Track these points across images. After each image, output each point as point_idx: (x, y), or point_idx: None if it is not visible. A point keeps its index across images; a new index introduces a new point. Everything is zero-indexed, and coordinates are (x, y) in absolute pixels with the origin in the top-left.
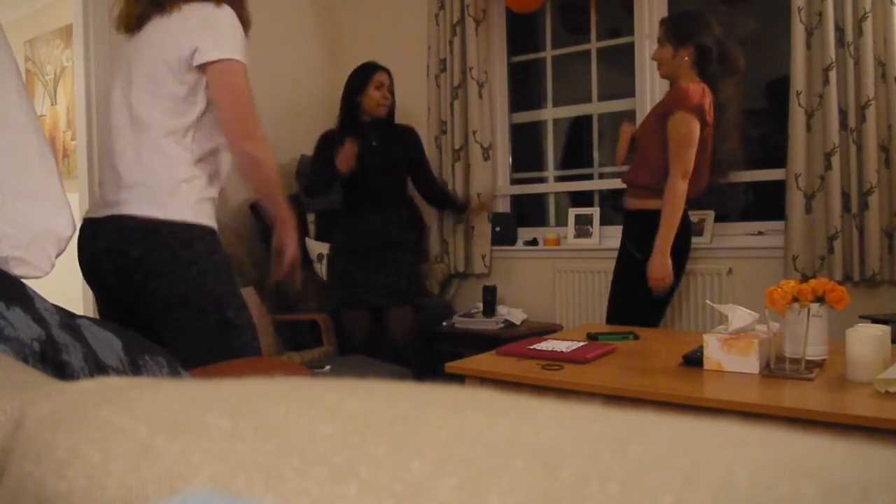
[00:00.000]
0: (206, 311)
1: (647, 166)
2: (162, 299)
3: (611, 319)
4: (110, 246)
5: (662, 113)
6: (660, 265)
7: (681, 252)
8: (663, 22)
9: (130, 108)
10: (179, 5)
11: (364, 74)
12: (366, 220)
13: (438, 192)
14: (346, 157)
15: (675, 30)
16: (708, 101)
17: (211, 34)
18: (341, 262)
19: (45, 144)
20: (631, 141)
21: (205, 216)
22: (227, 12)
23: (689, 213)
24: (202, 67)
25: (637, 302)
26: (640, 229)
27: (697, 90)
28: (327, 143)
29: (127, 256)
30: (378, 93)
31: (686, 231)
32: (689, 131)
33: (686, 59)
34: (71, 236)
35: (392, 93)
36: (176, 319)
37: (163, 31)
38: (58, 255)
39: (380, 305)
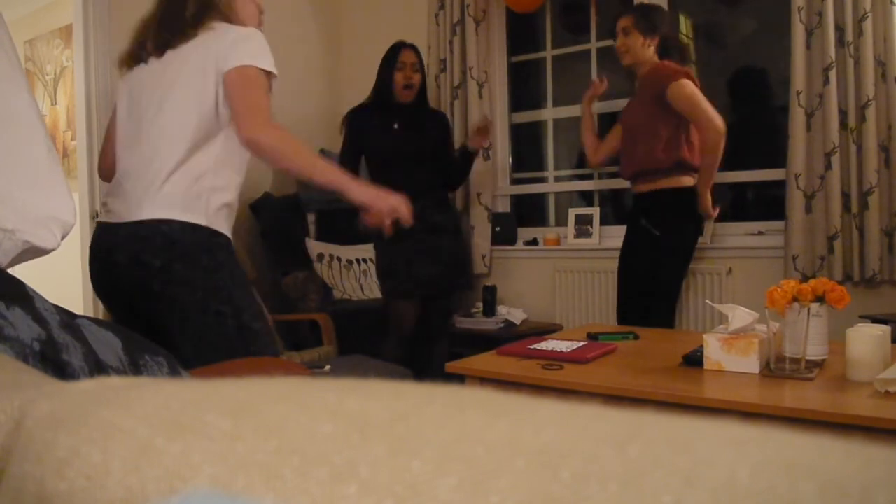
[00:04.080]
0: (224, 316)
1: (652, 151)
2: (182, 306)
3: (623, 317)
4: (132, 257)
5: (655, 96)
6: (707, 201)
7: (689, 243)
8: (632, 12)
9: (153, 121)
10: (211, 25)
11: (389, 55)
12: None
13: (454, 170)
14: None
15: (645, 20)
16: (684, 69)
17: (239, 47)
18: (387, 255)
19: (49, 139)
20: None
21: (223, 225)
22: (256, 31)
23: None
24: (224, 79)
25: (653, 289)
26: (657, 208)
27: (670, 63)
28: (354, 120)
29: (148, 266)
30: (400, 74)
31: (697, 228)
32: (692, 90)
33: (651, 48)
34: (73, 224)
35: (420, 72)
36: (195, 326)
37: (195, 47)
38: (63, 237)
39: (430, 294)
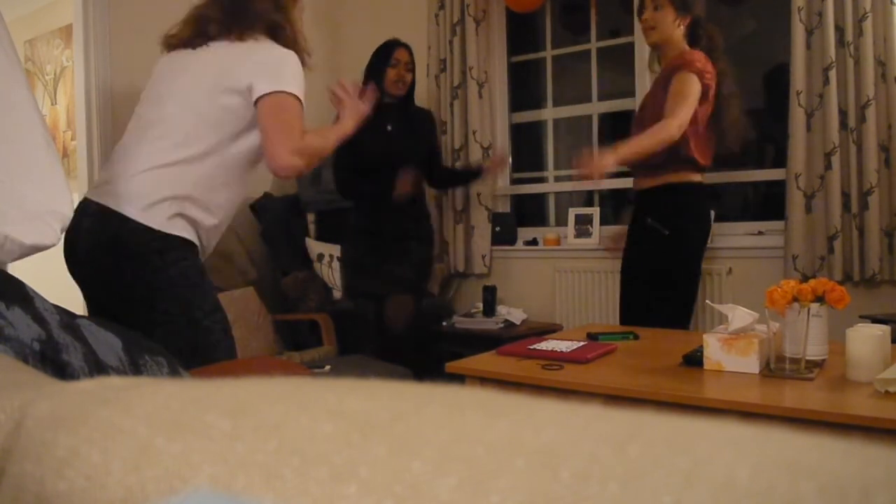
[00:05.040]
0: (172, 314)
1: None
2: (131, 301)
3: (631, 320)
4: (88, 250)
5: (666, 77)
6: (603, 161)
7: (699, 240)
8: None
9: (153, 118)
10: (254, 36)
11: (382, 52)
12: (378, 211)
13: (447, 173)
14: (405, 184)
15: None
16: (710, 66)
17: (271, 70)
18: (352, 254)
19: (48, 133)
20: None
21: (178, 229)
22: (292, 55)
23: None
24: (256, 103)
25: (667, 291)
26: (663, 205)
27: (700, 55)
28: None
29: (99, 262)
30: (393, 71)
31: (705, 225)
32: (688, 88)
33: (681, 27)
34: (71, 216)
35: (412, 71)
36: (145, 321)
37: (225, 54)
38: (62, 230)
39: (384, 293)
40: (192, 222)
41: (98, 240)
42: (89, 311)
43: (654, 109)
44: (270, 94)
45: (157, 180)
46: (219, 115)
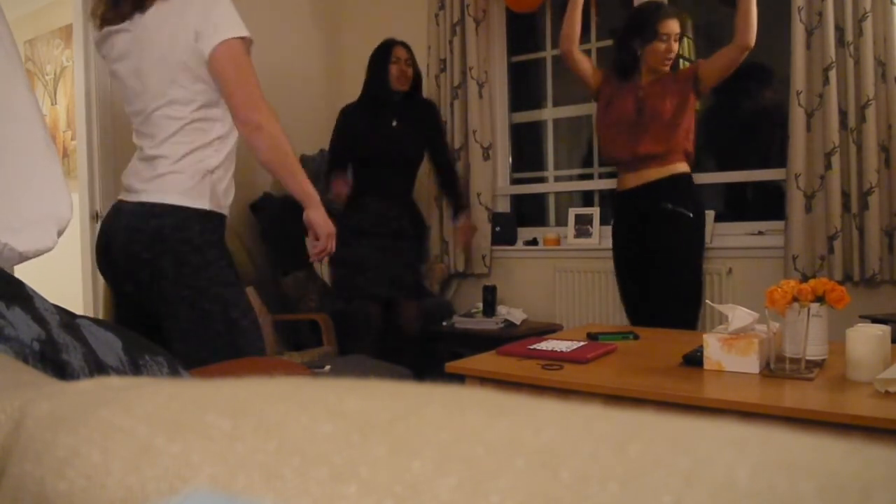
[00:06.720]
0: (212, 313)
1: (675, 134)
2: (169, 301)
3: (648, 320)
4: (123, 248)
5: (690, 85)
6: None
7: (699, 239)
8: (678, 15)
9: (147, 97)
10: None
11: (382, 51)
12: (376, 204)
13: (449, 179)
14: (339, 192)
15: (682, 30)
16: None
17: (211, 19)
18: (348, 249)
19: (48, 133)
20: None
21: (227, 201)
22: None
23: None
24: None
25: (686, 281)
26: (676, 192)
27: None
28: (347, 118)
29: (138, 258)
30: (395, 67)
31: (701, 220)
32: None
33: None
34: (70, 219)
35: (413, 66)
36: (183, 321)
37: (166, 18)
38: (60, 234)
39: (390, 297)
40: (230, 185)
41: (137, 237)
42: (121, 311)
43: (663, 113)
44: (217, 45)
45: (189, 157)
46: (185, 94)
